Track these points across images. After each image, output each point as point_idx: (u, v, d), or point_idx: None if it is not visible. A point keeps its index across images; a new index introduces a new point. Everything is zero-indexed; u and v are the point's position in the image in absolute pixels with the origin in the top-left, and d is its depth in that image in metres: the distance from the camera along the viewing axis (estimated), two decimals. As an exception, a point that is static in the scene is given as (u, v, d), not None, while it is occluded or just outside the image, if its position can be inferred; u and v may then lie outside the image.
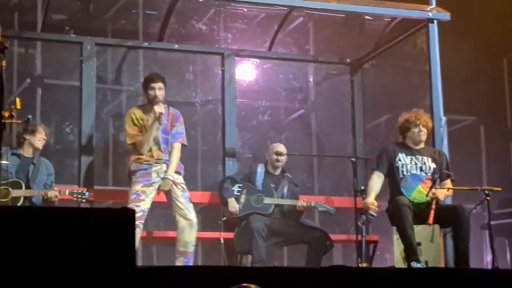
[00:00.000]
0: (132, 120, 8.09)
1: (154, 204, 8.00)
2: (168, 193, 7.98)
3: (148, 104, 8.13)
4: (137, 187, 7.89)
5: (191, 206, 7.97)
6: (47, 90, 9.62)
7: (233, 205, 8.43)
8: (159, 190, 7.92)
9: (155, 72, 8.43)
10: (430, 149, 8.04)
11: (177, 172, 8.07)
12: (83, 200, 7.92)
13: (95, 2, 9.50)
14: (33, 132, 7.94)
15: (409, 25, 9.34)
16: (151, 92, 8.09)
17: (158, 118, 7.97)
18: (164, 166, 7.99)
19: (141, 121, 8.07)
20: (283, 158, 8.65)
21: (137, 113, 8.12)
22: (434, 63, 8.86)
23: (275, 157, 8.62)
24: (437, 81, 8.84)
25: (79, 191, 7.95)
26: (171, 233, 8.20)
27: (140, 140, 8.01)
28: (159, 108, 8.06)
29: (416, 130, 7.86)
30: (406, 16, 9.20)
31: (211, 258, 9.24)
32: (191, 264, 7.88)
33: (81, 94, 8.89)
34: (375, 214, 7.64)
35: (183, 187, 8.02)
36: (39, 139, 8.00)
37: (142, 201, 7.83)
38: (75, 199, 7.89)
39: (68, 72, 9.54)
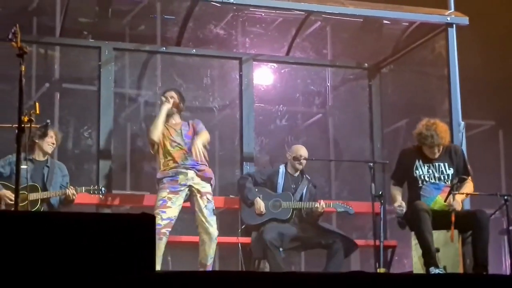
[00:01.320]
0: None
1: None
2: (192, 202, 7.97)
3: (168, 118, 8.22)
4: (163, 193, 7.89)
5: (213, 219, 7.94)
6: (65, 94, 9.64)
7: (260, 205, 8.41)
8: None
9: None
10: (447, 148, 7.87)
11: (206, 179, 8.06)
12: (101, 195, 7.96)
13: (114, 7, 9.51)
14: (43, 136, 7.96)
15: (427, 29, 9.31)
16: (163, 99, 8.24)
17: (166, 100, 8.05)
18: (191, 172, 7.97)
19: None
20: (303, 162, 8.64)
21: None
22: (452, 67, 8.83)
23: (296, 160, 8.61)
24: (456, 85, 8.81)
25: (95, 188, 8.00)
26: (185, 238, 8.19)
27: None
28: (175, 119, 8.15)
29: (429, 149, 7.71)
30: (425, 20, 9.18)
31: (229, 263, 9.24)
32: None
33: (99, 98, 8.91)
34: (404, 210, 7.63)
35: (208, 198, 7.98)
36: (48, 143, 8.02)
37: (168, 208, 7.82)
38: (91, 194, 7.93)
39: (87, 77, 9.57)
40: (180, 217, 8.04)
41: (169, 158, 8.03)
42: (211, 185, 8.11)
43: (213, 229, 7.90)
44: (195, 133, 8.18)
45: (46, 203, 7.89)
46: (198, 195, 7.96)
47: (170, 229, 7.80)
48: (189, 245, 8.00)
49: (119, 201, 8.80)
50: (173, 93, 8.27)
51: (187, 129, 8.17)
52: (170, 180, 7.94)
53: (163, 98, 8.21)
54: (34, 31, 9.59)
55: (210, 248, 7.86)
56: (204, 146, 8.09)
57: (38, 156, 8.04)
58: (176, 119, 8.26)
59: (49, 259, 3.46)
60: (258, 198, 8.46)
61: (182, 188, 7.93)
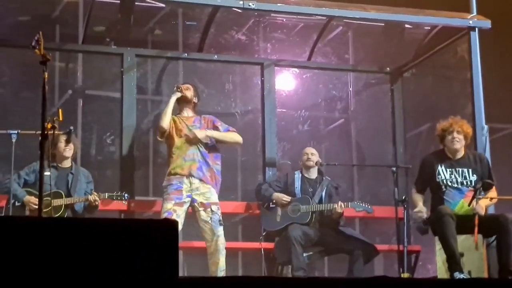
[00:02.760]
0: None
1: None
2: (196, 215, 7.89)
3: (180, 108, 8.22)
4: (169, 205, 7.81)
5: (220, 229, 7.85)
6: (88, 101, 9.69)
7: (280, 197, 8.41)
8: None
9: None
10: (471, 155, 7.89)
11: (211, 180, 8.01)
12: (124, 201, 7.99)
13: (136, 13, 9.55)
14: (55, 144, 7.99)
15: (449, 33, 9.28)
16: (175, 88, 8.20)
17: (177, 90, 8.05)
18: (196, 181, 7.92)
19: (172, 123, 8.10)
20: (314, 157, 8.62)
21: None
22: (475, 71, 8.80)
23: (305, 156, 8.62)
24: (479, 89, 8.78)
25: (118, 193, 8.02)
26: (197, 243, 8.19)
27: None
28: (187, 112, 8.13)
29: (449, 137, 7.78)
30: (447, 24, 9.15)
31: (251, 269, 9.24)
32: None
33: (122, 105, 8.94)
34: (425, 215, 7.61)
35: (213, 210, 7.86)
36: (63, 147, 8.04)
37: None
38: (115, 200, 7.96)
39: (109, 83, 9.61)
40: (193, 223, 8.03)
41: (177, 153, 7.97)
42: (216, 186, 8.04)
43: (221, 241, 7.80)
44: (211, 128, 8.15)
45: (71, 209, 7.93)
46: (202, 209, 7.85)
47: None
48: (203, 251, 7.98)
49: (141, 207, 8.83)
50: (189, 85, 8.26)
51: (198, 125, 8.12)
52: (175, 190, 7.84)
53: (175, 88, 8.20)
54: (57, 38, 9.64)
55: (219, 260, 7.76)
56: (236, 143, 8.13)
57: (62, 164, 8.09)
58: (188, 112, 8.22)
59: (72, 265, 3.47)
60: (275, 193, 8.46)
61: (186, 200, 7.83)
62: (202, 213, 7.85)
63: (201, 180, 7.92)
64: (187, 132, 8.05)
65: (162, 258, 3.52)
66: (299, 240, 8.13)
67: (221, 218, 7.89)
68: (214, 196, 7.95)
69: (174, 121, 8.10)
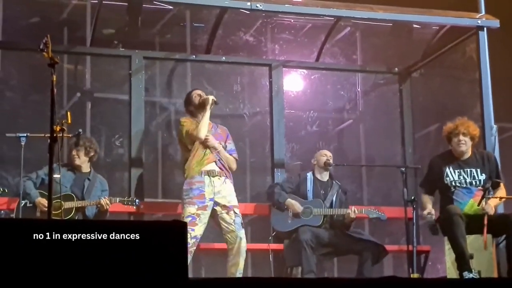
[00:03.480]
0: (187, 122, 8.09)
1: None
2: (217, 218, 7.88)
3: (194, 114, 8.14)
4: (192, 209, 7.75)
5: (242, 232, 7.85)
6: (96, 104, 9.70)
7: (293, 205, 8.40)
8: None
9: None
10: (478, 154, 7.88)
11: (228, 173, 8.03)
12: (134, 207, 8.00)
13: (143, 16, 9.56)
14: (75, 146, 8.02)
15: (458, 33, 9.27)
16: (196, 97, 8.12)
17: (214, 102, 7.97)
18: (218, 183, 7.90)
19: (189, 127, 8.05)
20: (331, 161, 8.62)
21: (189, 121, 8.12)
22: (484, 71, 8.78)
23: (324, 157, 8.61)
24: (488, 89, 8.76)
25: (129, 199, 8.04)
26: (217, 245, 8.20)
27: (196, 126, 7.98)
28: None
29: (455, 140, 7.77)
30: (455, 24, 9.14)
31: (260, 270, 9.23)
32: None
33: (130, 107, 8.95)
34: (433, 217, 7.60)
35: (235, 212, 7.88)
36: (73, 159, 8.09)
37: (196, 226, 7.67)
38: (125, 206, 7.97)
39: (117, 86, 9.62)
40: (213, 225, 8.03)
41: (195, 154, 7.95)
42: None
43: (243, 244, 7.80)
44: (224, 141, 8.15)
45: (82, 214, 7.95)
46: (224, 211, 7.85)
47: (195, 248, 7.68)
48: (222, 252, 7.99)
49: (151, 209, 8.84)
50: (200, 91, 8.23)
51: (215, 131, 8.13)
52: (197, 195, 7.80)
53: (200, 96, 8.10)
54: (65, 41, 9.66)
55: (240, 263, 7.77)
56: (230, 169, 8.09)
57: (81, 168, 8.12)
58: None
59: (81, 266, 3.47)
60: (289, 199, 8.45)
61: (208, 204, 7.79)
62: (225, 215, 7.84)
63: (220, 170, 7.94)
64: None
65: (172, 259, 3.53)
66: (310, 243, 8.12)
67: (242, 221, 7.90)
68: (235, 200, 7.97)
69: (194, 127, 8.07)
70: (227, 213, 7.85)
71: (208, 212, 7.80)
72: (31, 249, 3.45)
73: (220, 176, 7.93)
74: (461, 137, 7.75)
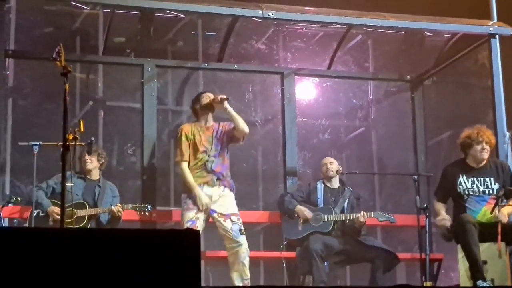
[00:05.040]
0: (185, 135, 8.07)
1: (208, 224, 7.97)
2: (216, 225, 7.89)
3: (201, 115, 8.15)
4: (191, 214, 7.81)
5: (242, 238, 7.83)
6: (109, 112, 9.73)
7: (302, 211, 8.39)
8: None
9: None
10: (492, 163, 7.86)
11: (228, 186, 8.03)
12: (146, 213, 8.01)
13: (155, 24, 9.59)
14: (88, 154, 8.04)
15: (470, 40, 9.25)
16: (205, 98, 8.12)
17: (225, 99, 7.95)
18: (215, 194, 7.91)
19: (192, 137, 8.06)
20: (333, 166, 8.61)
21: (188, 128, 8.12)
22: (496, 78, 8.77)
23: (324, 167, 8.61)
24: (500, 96, 8.75)
25: (141, 205, 8.05)
26: (224, 253, 8.19)
27: (184, 156, 7.98)
28: (208, 121, 8.10)
29: (479, 147, 7.73)
30: (467, 31, 9.12)
31: (273, 278, 9.22)
32: None
33: (143, 115, 8.97)
34: (448, 223, 7.59)
35: (232, 220, 7.86)
36: (84, 160, 8.11)
37: (197, 228, 7.69)
38: (138, 212, 7.99)
39: (130, 94, 9.64)
40: (217, 233, 8.03)
41: (195, 163, 7.96)
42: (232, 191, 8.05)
43: (242, 250, 7.78)
44: (227, 136, 8.10)
45: (95, 220, 7.98)
46: (222, 219, 7.85)
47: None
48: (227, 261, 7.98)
49: (163, 217, 8.85)
50: (209, 94, 8.22)
51: (216, 133, 8.09)
52: (195, 200, 7.83)
53: (209, 98, 8.10)
54: (77, 50, 9.69)
55: (242, 269, 7.76)
56: (244, 128, 8.04)
57: (91, 176, 8.15)
58: (209, 121, 8.17)
59: (94, 275, 3.48)
60: (299, 206, 8.44)
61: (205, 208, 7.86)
62: (222, 223, 7.85)
63: (219, 180, 7.94)
64: (207, 144, 8.04)
65: (185, 267, 3.53)
66: (319, 253, 8.11)
67: (242, 228, 7.88)
68: (233, 207, 7.95)
69: (193, 134, 8.08)
70: (224, 220, 7.86)
71: (205, 215, 7.84)
72: (44, 258, 3.45)
73: (219, 186, 7.95)
74: (485, 145, 7.71)
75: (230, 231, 7.82)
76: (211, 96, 8.16)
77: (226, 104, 7.97)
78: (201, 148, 8.00)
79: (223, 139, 8.10)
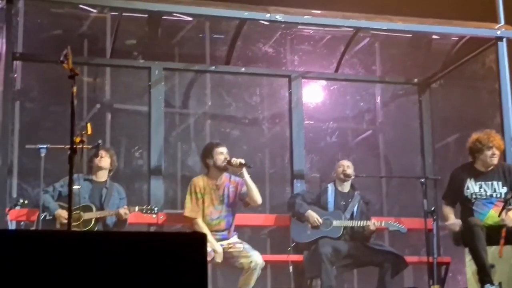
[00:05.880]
0: (194, 192, 8.10)
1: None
2: (229, 258, 7.94)
3: (213, 171, 8.13)
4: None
5: (254, 252, 7.88)
6: (116, 115, 9.74)
7: (313, 216, 8.37)
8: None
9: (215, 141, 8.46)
10: (500, 167, 7.83)
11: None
12: (153, 215, 8.01)
13: (163, 27, 9.60)
14: (94, 157, 8.04)
15: (477, 43, 9.24)
16: (219, 157, 8.05)
17: (244, 165, 7.90)
18: (219, 239, 7.97)
19: (203, 190, 8.09)
20: (349, 170, 8.59)
21: (201, 184, 8.11)
22: (503, 81, 8.75)
23: (341, 168, 8.59)
24: (508, 99, 8.73)
25: (148, 207, 8.05)
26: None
27: (197, 213, 8.02)
28: (220, 178, 8.09)
29: (489, 153, 7.70)
30: (475, 34, 9.11)
31: (280, 281, 9.22)
32: None
33: (150, 118, 8.97)
34: (458, 227, 7.57)
35: (240, 242, 7.97)
36: (98, 159, 8.11)
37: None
38: (145, 214, 7.99)
39: (137, 97, 9.65)
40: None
41: (205, 220, 8.02)
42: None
43: (258, 257, 7.80)
44: (239, 198, 8.13)
45: (102, 223, 7.98)
46: (231, 250, 7.94)
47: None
48: (235, 268, 7.97)
49: (170, 220, 8.85)
50: (224, 149, 8.13)
51: (228, 192, 8.12)
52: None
53: (236, 163, 7.96)
54: (85, 53, 9.71)
55: (253, 277, 7.77)
56: (258, 199, 8.05)
57: (98, 177, 8.15)
58: (221, 178, 8.15)
59: (100, 278, 3.48)
60: (309, 210, 8.42)
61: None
62: (232, 250, 7.93)
63: (226, 229, 8.07)
64: (217, 205, 8.07)
65: (191, 271, 3.52)
66: (329, 257, 8.09)
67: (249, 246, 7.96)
68: (234, 238, 8.07)
69: (205, 188, 8.06)
70: (233, 246, 7.94)
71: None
72: (51, 261, 3.46)
73: (228, 238, 8.07)
74: (495, 150, 7.70)
75: (243, 250, 7.88)
76: (225, 153, 8.06)
77: (244, 171, 7.94)
78: (211, 209, 8.05)
79: (234, 200, 8.12)
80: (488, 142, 7.70)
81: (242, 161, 7.95)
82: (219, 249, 7.80)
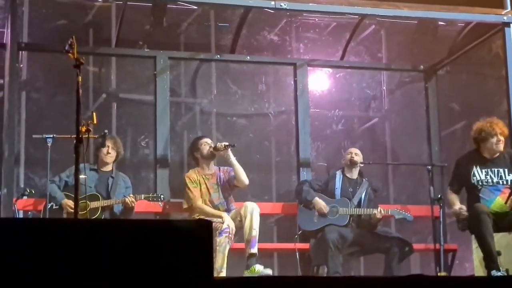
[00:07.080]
0: (191, 183, 8.22)
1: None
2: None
3: (202, 163, 8.30)
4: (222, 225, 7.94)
5: (248, 202, 8.06)
6: (122, 104, 9.74)
7: (320, 204, 8.37)
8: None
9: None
10: (506, 154, 7.82)
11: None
12: (160, 203, 8.04)
13: (168, 16, 9.58)
14: (101, 146, 8.06)
15: (484, 29, 9.20)
16: (204, 146, 8.25)
17: (228, 146, 8.08)
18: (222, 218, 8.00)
19: (198, 182, 8.21)
20: (358, 158, 8.60)
21: (194, 176, 8.27)
22: (510, 67, 8.71)
23: (349, 155, 8.59)
24: (515, 86, 8.69)
25: (155, 195, 8.09)
26: (236, 245, 8.19)
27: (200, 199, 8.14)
28: (210, 168, 8.27)
29: (494, 140, 7.69)
30: (481, 20, 9.07)
31: (287, 269, 9.22)
32: (256, 247, 7.84)
33: (156, 107, 8.98)
34: (465, 213, 7.56)
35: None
36: (105, 153, 8.13)
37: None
38: (151, 202, 8.01)
39: (142, 86, 9.64)
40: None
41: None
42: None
43: (250, 203, 7.97)
44: (229, 183, 8.26)
45: (109, 212, 8.00)
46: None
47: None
48: (241, 252, 7.98)
49: (176, 209, 8.85)
50: (208, 139, 8.40)
51: (220, 180, 8.29)
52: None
53: (209, 146, 8.27)
54: (90, 42, 9.70)
55: (254, 220, 7.85)
56: (245, 180, 8.22)
57: (103, 167, 8.17)
58: (211, 168, 8.35)
59: (107, 266, 3.48)
60: (317, 198, 8.42)
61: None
62: (234, 217, 8.04)
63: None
64: (213, 194, 8.21)
65: (197, 258, 3.53)
66: (336, 243, 8.09)
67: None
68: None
69: (199, 182, 8.23)
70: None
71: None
72: (59, 249, 3.47)
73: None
74: (500, 137, 7.69)
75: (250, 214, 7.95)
76: (209, 142, 8.32)
77: (229, 152, 8.14)
78: (208, 197, 8.17)
79: (226, 186, 8.28)
80: (491, 130, 7.68)
81: (226, 143, 8.18)
82: (232, 225, 7.89)
